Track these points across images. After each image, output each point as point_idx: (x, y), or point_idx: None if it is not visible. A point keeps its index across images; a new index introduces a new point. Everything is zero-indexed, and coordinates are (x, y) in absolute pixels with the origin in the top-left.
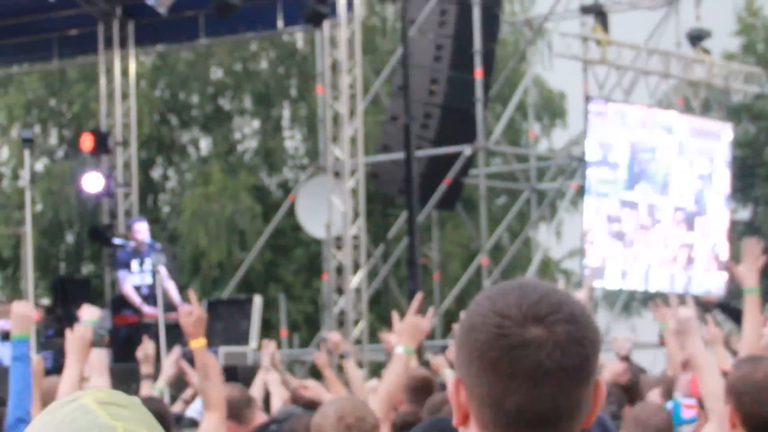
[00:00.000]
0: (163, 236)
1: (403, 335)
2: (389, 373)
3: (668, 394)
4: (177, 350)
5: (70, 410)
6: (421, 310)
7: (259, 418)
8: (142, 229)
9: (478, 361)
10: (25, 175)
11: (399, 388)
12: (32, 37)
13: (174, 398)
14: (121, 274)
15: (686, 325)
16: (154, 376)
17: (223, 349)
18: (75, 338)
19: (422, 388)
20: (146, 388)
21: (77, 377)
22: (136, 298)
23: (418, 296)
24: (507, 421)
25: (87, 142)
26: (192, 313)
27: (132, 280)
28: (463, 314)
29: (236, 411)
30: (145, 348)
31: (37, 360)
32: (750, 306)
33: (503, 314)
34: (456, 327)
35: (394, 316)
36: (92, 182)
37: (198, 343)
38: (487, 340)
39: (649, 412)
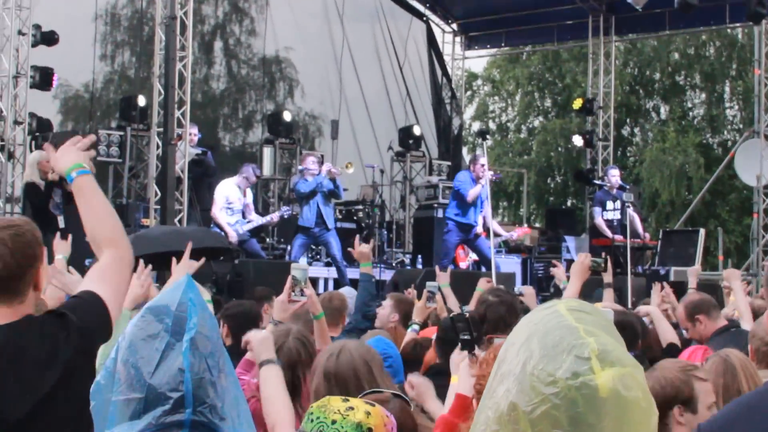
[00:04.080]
0: (629, 180)
1: None
2: None
3: None
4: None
5: (546, 314)
6: None
7: None
8: (614, 174)
9: None
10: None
11: None
12: (537, 25)
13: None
14: (596, 210)
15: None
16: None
17: (673, 269)
18: (578, 263)
19: None
20: (607, 295)
21: (577, 291)
22: (605, 229)
23: None
24: None
25: (578, 104)
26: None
27: (605, 216)
28: None
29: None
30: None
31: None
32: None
33: None
34: None
35: None
36: (578, 138)
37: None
38: None
39: None
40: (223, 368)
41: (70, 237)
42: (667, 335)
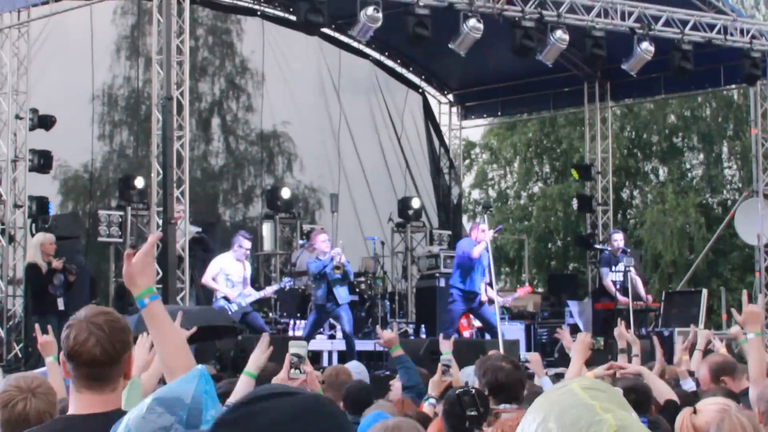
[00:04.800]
0: (630, 243)
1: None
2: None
3: None
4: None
5: (560, 393)
6: None
7: None
8: (617, 238)
9: None
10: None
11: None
12: (533, 94)
13: None
14: (604, 270)
15: None
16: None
17: (677, 330)
18: (579, 342)
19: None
20: (622, 361)
21: (579, 369)
22: (613, 289)
23: None
24: None
25: (575, 174)
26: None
27: (612, 277)
28: None
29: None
30: (620, 328)
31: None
32: None
33: None
34: None
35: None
36: (581, 202)
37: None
38: None
39: None
40: None
41: (51, 332)
42: (663, 393)
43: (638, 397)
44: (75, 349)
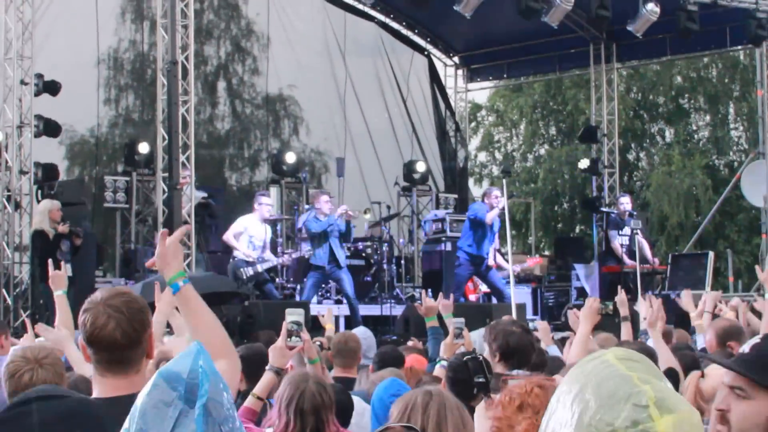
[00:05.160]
0: (637, 205)
1: None
2: None
3: None
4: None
5: (596, 364)
6: None
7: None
8: (624, 201)
9: None
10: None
11: None
12: (539, 55)
13: None
14: (612, 233)
15: None
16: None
17: (684, 292)
18: (587, 308)
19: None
20: (625, 329)
21: (587, 335)
22: (620, 252)
23: None
24: None
25: (582, 133)
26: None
27: (619, 240)
28: None
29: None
30: (621, 295)
31: None
32: None
33: None
34: None
35: None
36: (584, 164)
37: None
38: None
39: None
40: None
41: (64, 266)
42: (664, 359)
43: None
44: (95, 334)
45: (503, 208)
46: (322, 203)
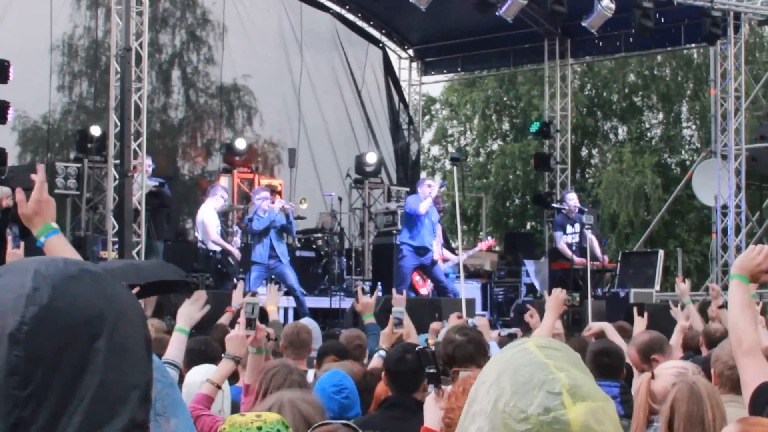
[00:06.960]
0: (588, 202)
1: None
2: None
3: None
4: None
5: (515, 352)
6: None
7: None
8: (571, 197)
9: None
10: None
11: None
12: (493, 50)
13: None
14: (557, 234)
15: None
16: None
17: (633, 291)
18: (553, 298)
19: None
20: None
21: (552, 326)
22: (568, 252)
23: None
24: None
25: (534, 128)
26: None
27: (565, 239)
28: None
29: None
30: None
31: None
32: None
33: None
34: None
35: None
36: (539, 161)
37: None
38: None
39: None
40: (164, 413)
41: (22, 246)
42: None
43: (611, 360)
44: None
45: (437, 197)
46: (257, 201)
